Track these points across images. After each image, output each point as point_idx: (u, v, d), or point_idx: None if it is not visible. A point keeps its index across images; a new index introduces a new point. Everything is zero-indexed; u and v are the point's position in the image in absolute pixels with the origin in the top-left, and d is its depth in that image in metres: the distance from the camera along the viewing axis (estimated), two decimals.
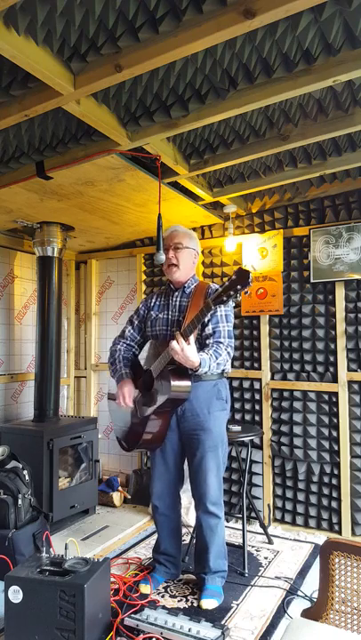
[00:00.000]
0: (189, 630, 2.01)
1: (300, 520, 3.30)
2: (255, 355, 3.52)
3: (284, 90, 1.91)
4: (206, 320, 2.38)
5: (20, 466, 2.90)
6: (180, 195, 3.03)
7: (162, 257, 2.44)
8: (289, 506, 3.34)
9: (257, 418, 3.50)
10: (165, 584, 2.59)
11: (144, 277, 4.13)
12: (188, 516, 3.21)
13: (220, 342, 2.38)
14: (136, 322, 2.70)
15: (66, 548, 2.12)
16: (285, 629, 1.50)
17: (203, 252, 3.77)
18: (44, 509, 3.09)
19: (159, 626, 2.05)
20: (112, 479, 3.89)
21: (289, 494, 3.35)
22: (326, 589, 1.53)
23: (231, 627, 2.20)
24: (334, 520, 3.17)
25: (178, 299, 2.55)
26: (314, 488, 3.25)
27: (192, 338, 2.19)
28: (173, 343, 2.16)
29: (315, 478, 3.25)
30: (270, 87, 1.93)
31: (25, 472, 2.88)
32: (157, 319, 2.57)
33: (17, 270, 3.92)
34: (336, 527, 3.16)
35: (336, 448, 3.17)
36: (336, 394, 3.19)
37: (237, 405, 3.58)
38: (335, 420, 3.19)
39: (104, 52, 1.69)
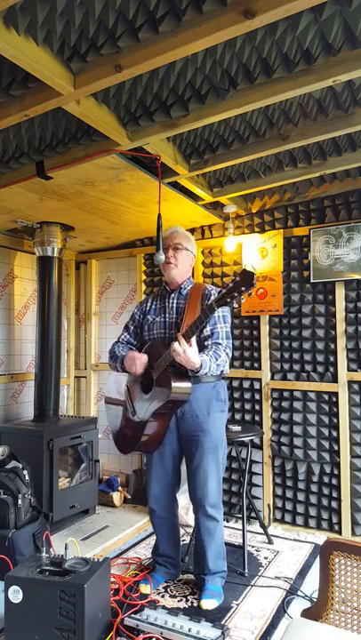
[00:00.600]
0: (189, 630, 2.01)
1: (300, 520, 3.30)
2: (255, 355, 3.52)
3: (284, 90, 1.91)
4: None
5: (20, 466, 2.90)
6: (180, 195, 3.03)
7: (161, 257, 2.44)
8: (289, 506, 3.34)
9: (257, 418, 3.50)
10: (165, 584, 2.59)
11: (144, 277, 4.13)
12: (188, 516, 3.21)
13: (219, 343, 2.38)
14: (132, 327, 2.68)
15: (66, 548, 2.12)
16: (285, 629, 1.50)
17: (203, 251, 3.77)
18: (44, 509, 3.09)
19: (159, 626, 2.05)
20: (112, 479, 3.89)
21: (289, 494, 3.34)
22: (326, 589, 1.53)
23: (231, 627, 2.20)
24: (334, 520, 3.17)
25: (174, 300, 2.54)
26: (314, 488, 3.25)
27: (193, 339, 2.19)
28: (176, 345, 2.15)
29: (315, 478, 3.25)
30: (270, 87, 1.93)
31: (25, 472, 2.88)
32: (154, 323, 2.56)
33: (17, 270, 3.92)
34: (336, 527, 3.16)
35: (336, 448, 3.17)
36: (336, 394, 3.19)
37: (237, 405, 3.58)
38: (335, 420, 3.19)
39: (104, 51, 1.69)
